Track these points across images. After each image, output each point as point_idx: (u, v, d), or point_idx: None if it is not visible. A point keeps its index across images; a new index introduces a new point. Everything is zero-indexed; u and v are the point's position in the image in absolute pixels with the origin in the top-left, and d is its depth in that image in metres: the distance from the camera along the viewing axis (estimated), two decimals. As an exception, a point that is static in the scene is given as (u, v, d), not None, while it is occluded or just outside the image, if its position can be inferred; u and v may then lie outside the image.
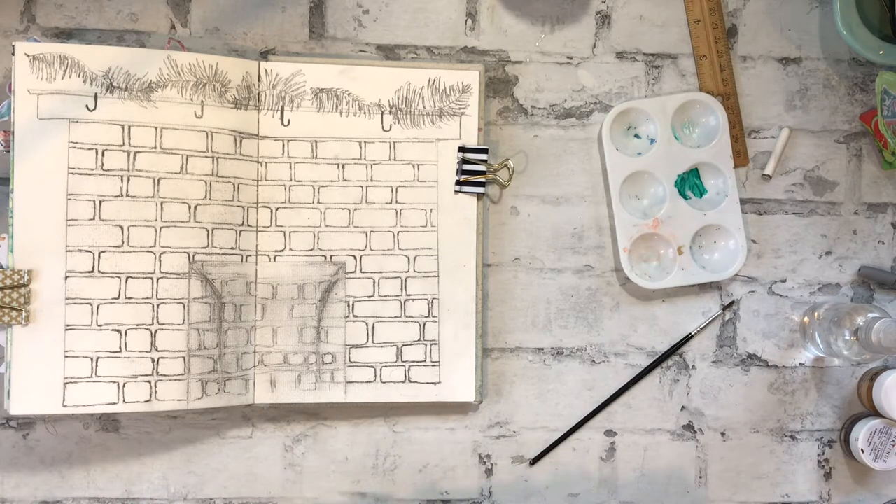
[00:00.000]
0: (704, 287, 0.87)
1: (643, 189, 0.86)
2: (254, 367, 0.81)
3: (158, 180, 0.78)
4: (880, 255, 0.89)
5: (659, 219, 0.85)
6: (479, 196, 0.84)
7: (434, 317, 0.83)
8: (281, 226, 0.82)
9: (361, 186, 0.83)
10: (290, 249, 0.82)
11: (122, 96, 0.78)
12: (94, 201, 0.77)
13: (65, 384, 0.76)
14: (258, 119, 0.82)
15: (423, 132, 0.83)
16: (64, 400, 0.76)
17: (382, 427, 0.85)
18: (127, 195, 0.78)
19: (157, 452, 0.84)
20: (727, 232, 0.86)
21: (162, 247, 0.78)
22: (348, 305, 0.82)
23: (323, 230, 0.82)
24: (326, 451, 0.85)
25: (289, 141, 0.82)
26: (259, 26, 0.84)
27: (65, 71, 0.77)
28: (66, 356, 0.77)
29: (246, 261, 0.81)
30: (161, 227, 0.78)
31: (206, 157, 0.79)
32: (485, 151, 0.83)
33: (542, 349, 0.86)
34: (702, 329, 0.87)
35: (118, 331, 0.77)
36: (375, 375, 0.82)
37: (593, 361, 0.86)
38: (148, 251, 0.78)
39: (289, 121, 0.82)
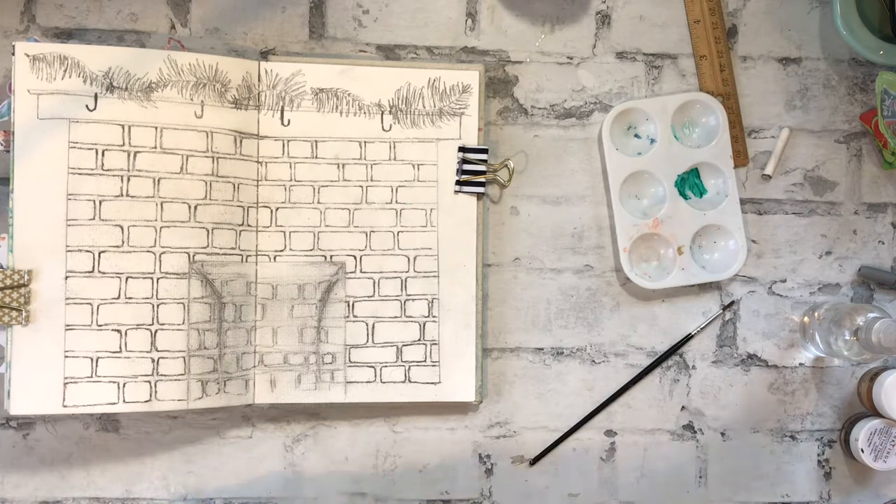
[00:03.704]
0: (704, 287, 0.87)
1: (643, 189, 0.86)
2: (254, 367, 0.81)
3: (158, 180, 0.78)
4: (880, 255, 0.89)
5: (659, 219, 0.85)
6: (479, 196, 0.84)
7: (434, 317, 0.83)
8: (281, 226, 0.82)
9: (361, 186, 0.83)
10: (290, 249, 0.82)
11: (122, 96, 0.78)
12: (94, 201, 0.77)
13: (65, 384, 0.76)
14: (258, 119, 0.82)
15: (423, 132, 0.83)
16: (64, 400, 0.76)
17: (382, 427, 0.85)
18: (127, 195, 0.78)
19: (157, 452, 0.84)
20: (727, 232, 0.86)
21: (162, 247, 0.78)
22: (348, 305, 0.82)
23: (323, 230, 0.82)
24: (326, 451, 0.85)
25: (289, 141, 0.82)
26: (259, 26, 0.84)
27: (65, 71, 0.77)
28: (66, 356, 0.77)
29: (246, 261, 0.81)
30: (161, 227, 0.78)
31: (206, 157, 0.79)
32: (485, 151, 0.84)
33: (542, 349, 0.86)
34: (702, 329, 0.87)
35: (118, 331, 0.77)
36: (375, 375, 0.82)
37: (593, 361, 0.86)
38: (148, 251, 0.78)
39: (289, 121, 0.82)
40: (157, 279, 0.78)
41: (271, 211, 0.82)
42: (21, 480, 0.83)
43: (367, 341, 0.82)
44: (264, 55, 0.84)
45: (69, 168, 0.77)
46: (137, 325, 0.77)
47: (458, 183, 0.83)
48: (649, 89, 0.87)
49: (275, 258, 0.82)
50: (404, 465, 0.85)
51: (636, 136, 0.87)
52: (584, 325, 0.86)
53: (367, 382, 0.82)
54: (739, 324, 0.88)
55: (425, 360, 0.83)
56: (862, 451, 0.84)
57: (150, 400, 0.77)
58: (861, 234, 0.88)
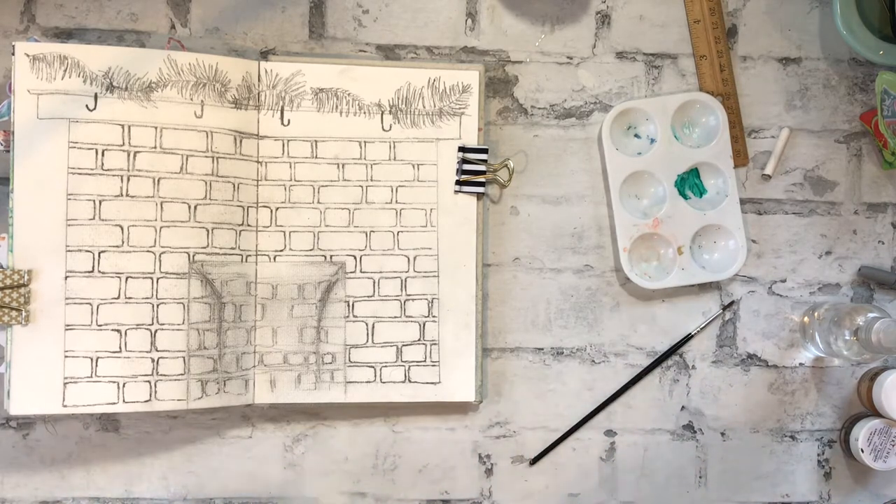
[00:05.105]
0: (704, 287, 0.87)
1: (643, 189, 0.86)
2: (254, 366, 0.81)
3: (158, 180, 0.78)
4: (880, 255, 0.89)
5: (659, 219, 0.85)
6: (479, 196, 0.84)
7: (434, 317, 0.83)
8: (281, 226, 0.82)
9: (361, 186, 0.83)
10: (290, 249, 0.82)
11: (122, 96, 0.78)
12: (94, 201, 0.77)
13: (65, 384, 0.76)
14: (258, 119, 0.82)
15: (423, 132, 0.83)
16: (64, 400, 0.76)
17: (382, 427, 0.85)
18: (127, 195, 0.78)
19: (157, 452, 0.84)
20: (727, 232, 0.86)
21: (162, 247, 0.78)
22: (348, 305, 0.82)
23: (323, 230, 0.82)
24: (326, 451, 0.85)
25: (289, 141, 0.82)
26: (259, 26, 0.84)
27: (65, 71, 0.77)
28: (66, 356, 0.77)
29: (246, 261, 0.81)
30: (161, 227, 0.78)
31: (206, 157, 0.79)
32: (485, 151, 0.84)
33: (542, 349, 0.86)
34: (702, 329, 0.87)
35: (118, 331, 0.77)
36: (375, 375, 0.82)
37: (593, 361, 0.86)
38: (148, 251, 0.78)
39: (289, 121, 0.82)
40: (157, 279, 0.78)
41: (271, 211, 0.82)
42: (21, 480, 0.83)
43: (367, 341, 0.82)
44: (264, 55, 0.84)
45: (69, 168, 0.77)
46: (137, 325, 0.77)
47: (458, 183, 0.83)
48: (649, 89, 0.87)
49: (275, 258, 0.82)
50: (404, 465, 0.85)
51: (636, 136, 0.87)
52: (584, 325, 0.86)
53: (366, 382, 0.82)
54: (739, 324, 0.88)
55: (425, 360, 0.83)
56: (862, 451, 0.84)
57: (149, 400, 0.77)
58: (861, 234, 0.88)
